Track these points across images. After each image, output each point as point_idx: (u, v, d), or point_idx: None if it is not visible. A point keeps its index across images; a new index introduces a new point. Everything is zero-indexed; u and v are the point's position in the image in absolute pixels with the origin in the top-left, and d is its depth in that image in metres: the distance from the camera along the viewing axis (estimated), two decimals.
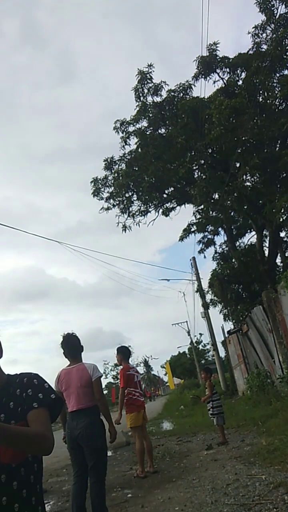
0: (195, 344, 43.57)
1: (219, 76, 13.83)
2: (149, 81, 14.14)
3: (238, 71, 14.05)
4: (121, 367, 6.37)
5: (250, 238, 18.09)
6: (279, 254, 15.82)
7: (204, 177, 13.71)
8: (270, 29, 13.08)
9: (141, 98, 14.46)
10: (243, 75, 13.92)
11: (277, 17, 12.70)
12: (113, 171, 15.47)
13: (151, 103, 14.59)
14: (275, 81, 13.20)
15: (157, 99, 14.52)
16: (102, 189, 15.74)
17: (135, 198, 15.70)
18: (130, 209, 15.77)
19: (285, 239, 16.57)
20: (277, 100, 13.59)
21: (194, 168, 14.76)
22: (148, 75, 14.04)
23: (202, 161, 13.97)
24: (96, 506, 3.76)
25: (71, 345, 4.18)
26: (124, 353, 6.39)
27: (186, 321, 38.41)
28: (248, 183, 13.95)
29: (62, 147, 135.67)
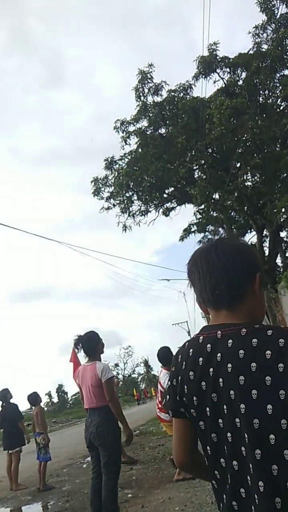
0: None
1: (219, 76, 13.86)
2: (149, 81, 14.15)
3: (239, 71, 14.06)
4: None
5: (250, 238, 18.12)
6: (279, 254, 15.83)
7: (204, 177, 13.71)
8: (271, 29, 13.08)
9: (142, 98, 14.46)
10: (244, 75, 13.92)
11: (277, 17, 12.70)
12: (113, 170, 15.48)
13: (152, 103, 14.59)
14: (275, 81, 13.21)
15: (158, 99, 14.54)
16: (103, 189, 15.76)
17: (135, 198, 15.71)
18: (131, 209, 15.77)
19: (285, 239, 16.59)
20: (278, 100, 13.60)
21: (195, 168, 14.76)
22: (148, 74, 14.05)
23: (203, 161, 13.96)
24: (108, 504, 3.80)
25: (84, 344, 4.19)
26: (159, 358, 5.81)
27: (186, 321, 38.45)
28: (248, 183, 13.96)
29: (55, 150, 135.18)
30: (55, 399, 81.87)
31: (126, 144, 15.22)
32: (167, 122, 14.82)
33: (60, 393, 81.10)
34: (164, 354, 5.75)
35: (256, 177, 13.95)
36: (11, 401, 8.25)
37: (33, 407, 7.70)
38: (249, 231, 18.05)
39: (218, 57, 13.52)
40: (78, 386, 4.28)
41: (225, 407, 1.00)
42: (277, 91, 13.34)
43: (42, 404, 7.80)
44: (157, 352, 5.83)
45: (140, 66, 14.13)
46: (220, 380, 1.01)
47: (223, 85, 13.94)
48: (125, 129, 15.13)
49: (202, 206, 15.54)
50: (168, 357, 5.62)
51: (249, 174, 13.40)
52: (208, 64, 13.38)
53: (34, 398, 7.63)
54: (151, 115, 14.65)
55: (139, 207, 15.94)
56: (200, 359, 1.07)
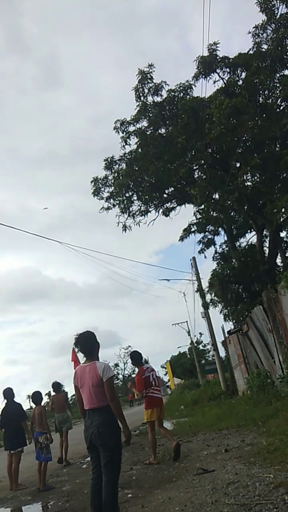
0: (195, 344, 43.54)
1: (219, 76, 13.83)
2: (149, 81, 14.13)
3: (238, 71, 14.04)
4: (137, 371, 7.24)
5: (250, 238, 18.11)
6: (279, 254, 15.81)
7: (204, 177, 13.70)
8: (271, 29, 13.06)
9: (142, 98, 14.44)
10: (243, 75, 13.90)
11: (277, 17, 12.69)
12: (113, 171, 15.46)
13: (152, 103, 14.57)
14: (275, 81, 13.20)
15: (158, 99, 14.52)
16: (102, 189, 15.74)
17: (135, 198, 15.69)
18: (130, 209, 15.76)
19: (285, 239, 16.57)
20: (278, 100, 13.59)
21: (195, 168, 14.74)
22: (148, 75, 14.03)
23: (203, 161, 13.95)
24: (108, 504, 3.79)
25: (82, 344, 4.16)
26: (134, 357, 7.31)
27: (186, 321, 38.44)
28: (248, 183, 13.94)
29: (52, 151, 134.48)
30: None
31: (126, 144, 15.23)
32: (167, 122, 14.81)
33: None
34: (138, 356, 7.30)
35: (256, 177, 13.93)
36: (13, 400, 8.23)
37: (33, 407, 7.70)
38: (249, 231, 18.04)
39: (218, 57, 13.51)
40: (75, 388, 4.22)
41: None
42: (277, 91, 13.32)
43: (41, 404, 7.80)
44: (132, 354, 7.43)
45: (137, 67, 14.15)
46: None
47: (223, 85, 13.91)
48: (125, 129, 15.12)
49: (202, 206, 15.51)
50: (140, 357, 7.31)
51: (249, 174, 13.37)
52: (208, 64, 13.37)
53: (37, 397, 7.61)
54: (151, 115, 14.64)
55: (139, 207, 15.93)
56: None
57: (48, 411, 9.11)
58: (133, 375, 76.41)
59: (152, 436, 7.10)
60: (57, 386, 10.03)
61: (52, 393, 10.22)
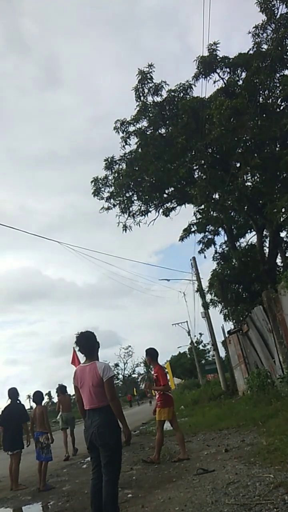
0: (195, 344, 43.53)
1: (219, 76, 13.83)
2: (149, 81, 14.13)
3: (239, 71, 14.03)
4: (153, 367, 7.29)
5: (250, 238, 18.11)
6: (279, 254, 15.81)
7: (204, 177, 13.70)
8: (271, 29, 13.06)
9: (142, 98, 14.44)
10: (243, 75, 13.90)
11: (277, 17, 12.68)
12: (113, 171, 15.46)
13: (152, 103, 14.57)
14: (275, 81, 13.19)
15: (158, 99, 14.52)
16: (103, 189, 15.74)
17: (135, 198, 15.68)
18: (131, 209, 15.75)
19: (285, 239, 16.57)
20: (278, 100, 13.59)
21: (195, 168, 14.74)
22: (148, 75, 14.03)
23: (203, 161, 13.95)
24: (108, 504, 3.79)
25: (83, 344, 4.15)
26: (152, 354, 7.24)
27: (186, 321, 38.45)
28: (248, 183, 13.95)
29: (52, 151, 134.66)
30: (55, 399, 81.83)
31: (126, 144, 15.22)
32: (167, 122, 14.81)
33: None
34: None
35: (256, 177, 13.94)
36: (17, 401, 8.24)
37: (34, 406, 7.69)
38: (249, 231, 18.04)
39: (218, 57, 13.51)
40: (75, 388, 4.21)
41: None
42: (277, 91, 13.32)
43: (42, 404, 7.79)
44: (150, 351, 7.23)
45: (137, 67, 14.14)
46: None
47: (223, 85, 13.91)
48: (125, 129, 15.11)
49: (202, 206, 15.52)
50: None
51: (249, 174, 13.38)
52: (208, 64, 13.37)
53: (38, 397, 7.60)
54: (151, 115, 14.64)
55: (139, 207, 15.92)
56: None
57: (56, 411, 10.34)
58: (133, 375, 76.54)
59: (160, 434, 7.02)
60: (63, 388, 11.60)
61: (55, 394, 11.73)
